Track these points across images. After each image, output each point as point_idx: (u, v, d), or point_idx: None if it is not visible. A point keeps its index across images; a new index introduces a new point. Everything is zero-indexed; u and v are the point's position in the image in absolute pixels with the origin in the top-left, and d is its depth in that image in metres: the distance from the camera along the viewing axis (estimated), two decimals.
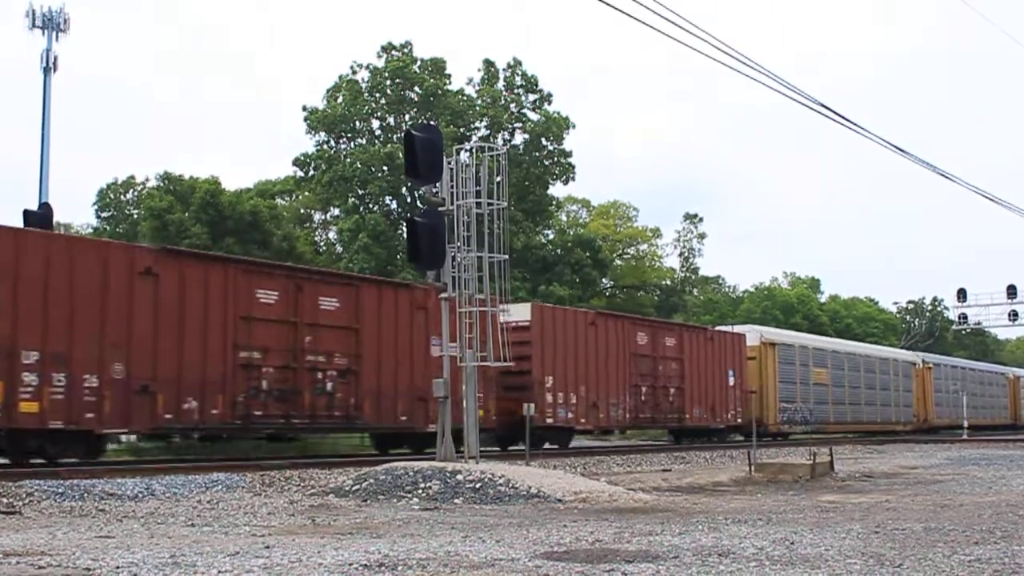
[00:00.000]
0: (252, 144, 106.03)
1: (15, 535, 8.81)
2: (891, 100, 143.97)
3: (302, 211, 54.37)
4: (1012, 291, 53.13)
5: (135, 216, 51.49)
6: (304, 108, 46.41)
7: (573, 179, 49.17)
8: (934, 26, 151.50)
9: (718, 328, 34.94)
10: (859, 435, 39.21)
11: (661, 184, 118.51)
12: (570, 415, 25.09)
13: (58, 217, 30.21)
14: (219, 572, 6.64)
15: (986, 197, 28.88)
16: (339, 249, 48.40)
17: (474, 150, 16.22)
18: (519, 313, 24.07)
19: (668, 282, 65.33)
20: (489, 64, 48.66)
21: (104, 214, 56.42)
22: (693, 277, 70.04)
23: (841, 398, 39.28)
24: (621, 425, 27.92)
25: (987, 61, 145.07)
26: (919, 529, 9.34)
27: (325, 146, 46.98)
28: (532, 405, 20.66)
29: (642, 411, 27.69)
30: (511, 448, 24.48)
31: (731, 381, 31.69)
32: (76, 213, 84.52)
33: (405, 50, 47.17)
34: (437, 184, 15.27)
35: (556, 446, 25.24)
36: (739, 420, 31.67)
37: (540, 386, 24.18)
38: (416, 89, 46.69)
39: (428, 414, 20.76)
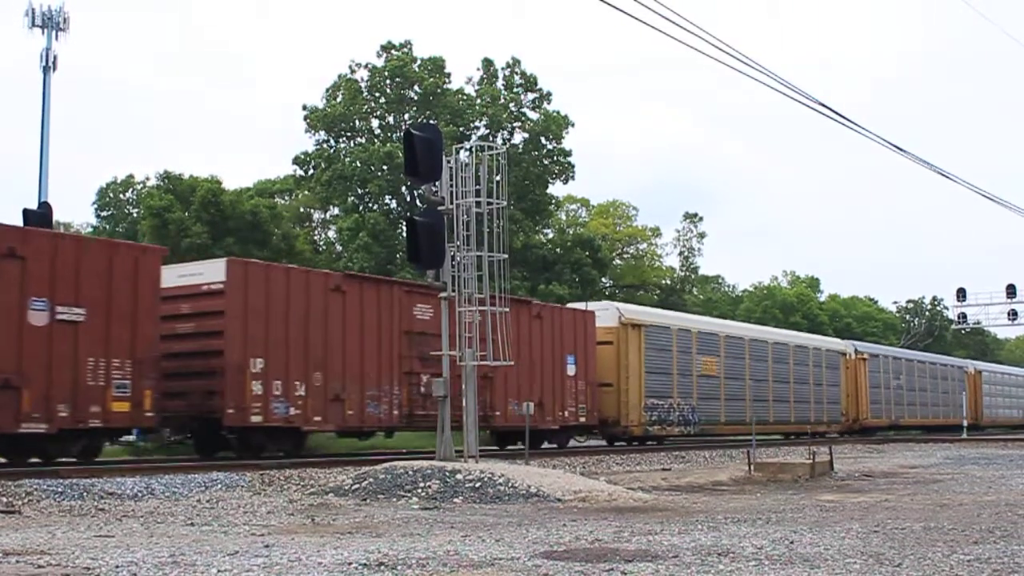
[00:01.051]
0: (252, 144, 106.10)
1: (15, 534, 8.80)
2: (891, 100, 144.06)
3: (302, 210, 54.40)
4: (1011, 290, 53.16)
5: (135, 215, 51.53)
6: (304, 107, 46.50)
7: (572, 178, 49.25)
8: (934, 26, 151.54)
9: (568, 305, 29.00)
10: (758, 437, 30.27)
11: (661, 184, 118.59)
12: (294, 411, 18.94)
13: (58, 216, 30.23)
14: (219, 571, 6.63)
15: (986, 197, 28.92)
16: (339, 248, 48.46)
17: (473, 149, 16.22)
18: (210, 273, 18.73)
19: (668, 281, 65.35)
20: (488, 63, 48.69)
21: (104, 213, 56.49)
22: (693, 276, 70.08)
23: (738, 393, 32.09)
24: (385, 425, 21.12)
25: (987, 61, 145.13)
26: (918, 528, 9.35)
27: (325, 145, 47.02)
28: (531, 404, 20.42)
29: (420, 406, 21.03)
30: (223, 456, 19.44)
31: (571, 370, 25.22)
32: (76, 212, 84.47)
33: (404, 49, 47.19)
34: (437, 183, 15.27)
35: (280, 453, 19.42)
36: (582, 419, 25.76)
37: (239, 372, 18.09)
38: (415, 88, 46.71)
39: (19, 408, 15.07)
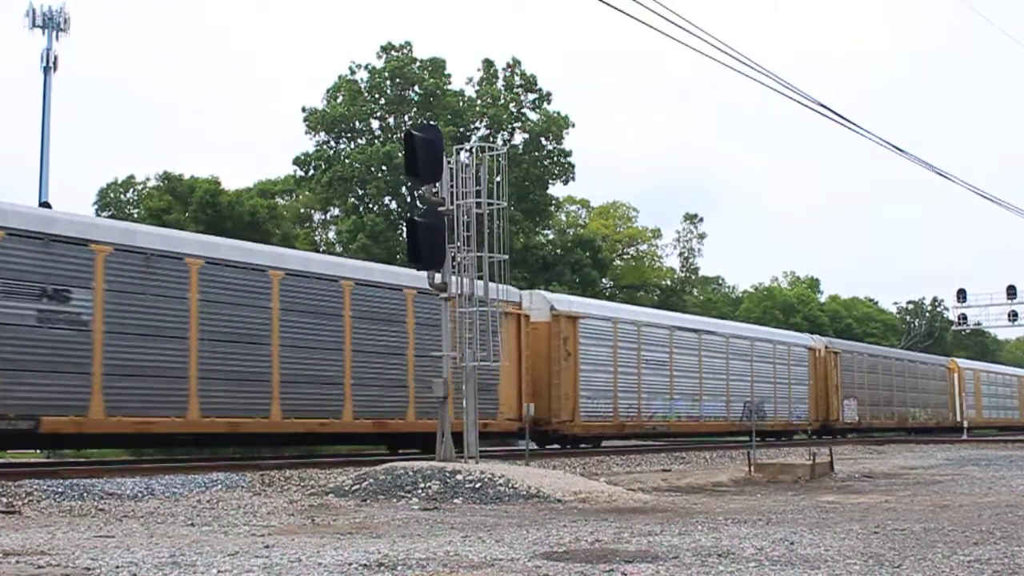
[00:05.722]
0: (252, 144, 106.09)
1: (15, 534, 8.80)
2: (891, 100, 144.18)
3: (302, 211, 54.45)
4: (1012, 291, 53.18)
5: (135, 216, 51.56)
6: (303, 109, 46.53)
7: (573, 179, 49.27)
8: (934, 26, 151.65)
9: None
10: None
11: (661, 184, 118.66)
12: None
13: None
14: (219, 572, 6.63)
15: (986, 197, 28.96)
16: (339, 249, 48.51)
17: (474, 150, 16.20)
18: None
19: (668, 282, 65.34)
20: (488, 64, 48.71)
21: (104, 214, 56.43)
22: (693, 277, 70.06)
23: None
24: None
25: (987, 61, 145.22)
26: (919, 529, 9.34)
27: (325, 146, 47.04)
28: (532, 405, 20.43)
29: None
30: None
31: None
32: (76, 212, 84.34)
33: (404, 50, 47.21)
34: (437, 184, 15.27)
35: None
36: None
37: None
38: (415, 89, 46.73)
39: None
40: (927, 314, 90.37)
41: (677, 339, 29.33)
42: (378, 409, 20.12)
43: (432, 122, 38.76)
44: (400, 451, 21.32)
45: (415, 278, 21.06)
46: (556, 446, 25.47)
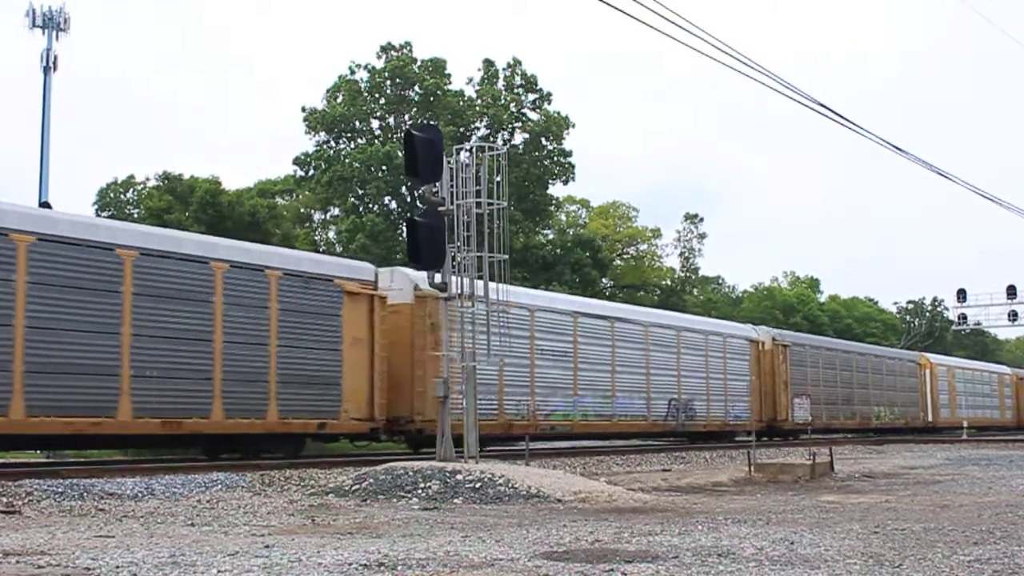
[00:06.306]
0: (252, 144, 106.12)
1: (15, 534, 8.80)
2: (891, 100, 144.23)
3: (302, 210, 54.47)
4: (1012, 291, 53.18)
5: (135, 216, 51.59)
6: (303, 109, 46.53)
7: (573, 179, 49.24)
8: (934, 26, 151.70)
9: None
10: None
11: (661, 184, 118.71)
12: None
13: None
14: (219, 571, 6.63)
15: (986, 197, 28.96)
16: (339, 249, 48.53)
17: (474, 150, 16.21)
18: None
19: (668, 282, 65.31)
20: (489, 64, 48.71)
21: (104, 214, 56.44)
22: (693, 277, 70.00)
23: None
24: None
25: (987, 61, 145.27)
26: (919, 529, 9.34)
27: (325, 146, 47.06)
28: (529, 403, 20.38)
29: None
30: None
31: None
32: (76, 212, 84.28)
33: (404, 50, 47.23)
34: (437, 184, 15.27)
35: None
36: None
37: None
38: (416, 89, 46.74)
39: None
40: (927, 314, 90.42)
41: (583, 327, 25.51)
42: (169, 406, 16.64)
43: (432, 122, 38.77)
44: (220, 456, 18.90)
45: (227, 249, 18.43)
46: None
